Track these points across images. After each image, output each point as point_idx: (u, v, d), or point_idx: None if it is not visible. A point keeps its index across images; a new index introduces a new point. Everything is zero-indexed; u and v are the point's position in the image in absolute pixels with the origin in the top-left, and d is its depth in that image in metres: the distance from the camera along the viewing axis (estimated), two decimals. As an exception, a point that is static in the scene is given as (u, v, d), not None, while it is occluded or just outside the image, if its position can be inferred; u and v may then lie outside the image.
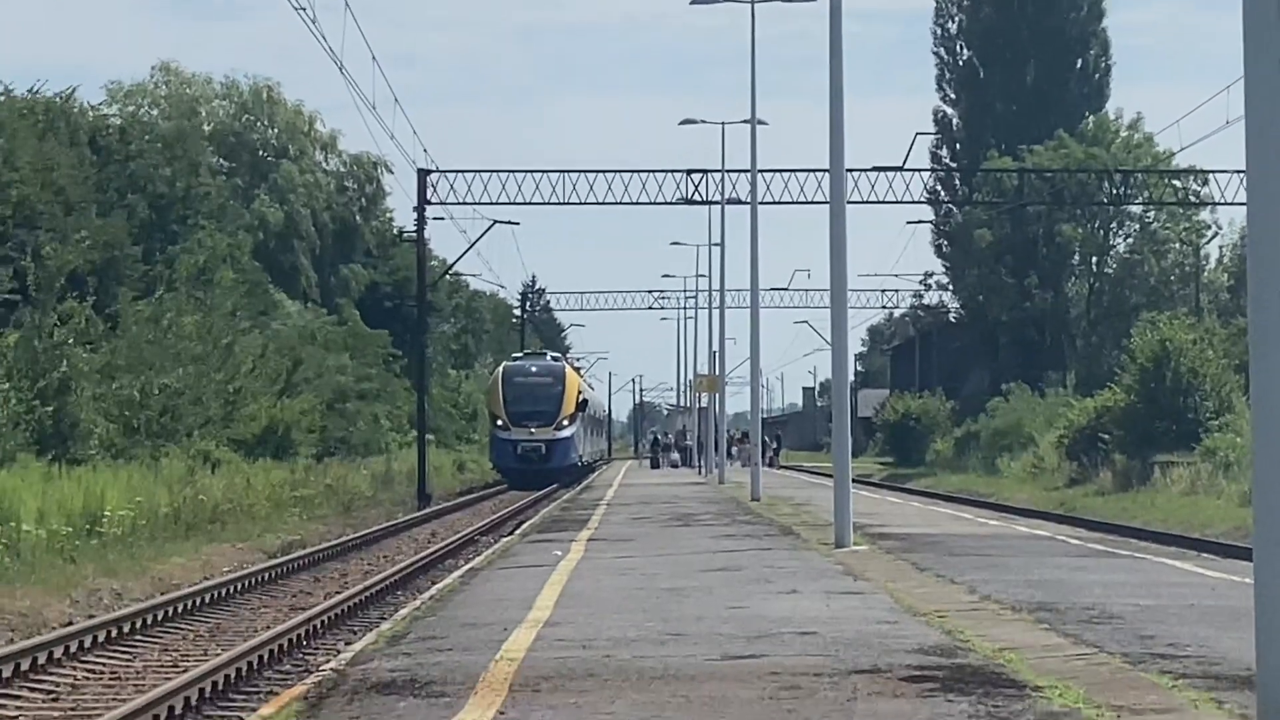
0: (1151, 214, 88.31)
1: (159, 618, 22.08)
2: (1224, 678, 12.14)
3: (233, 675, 16.96)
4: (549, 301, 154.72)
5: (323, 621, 21.52)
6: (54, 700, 16.35)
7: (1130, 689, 11.78)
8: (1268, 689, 8.67)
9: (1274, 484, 8.45)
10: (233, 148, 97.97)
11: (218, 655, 18.15)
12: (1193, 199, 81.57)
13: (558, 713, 11.06)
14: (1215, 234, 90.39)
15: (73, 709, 15.85)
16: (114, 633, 20.31)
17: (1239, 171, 59.76)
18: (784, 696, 11.57)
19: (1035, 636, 14.88)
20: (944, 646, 14.19)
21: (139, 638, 20.73)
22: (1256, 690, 8.87)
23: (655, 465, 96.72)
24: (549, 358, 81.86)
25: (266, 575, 28.76)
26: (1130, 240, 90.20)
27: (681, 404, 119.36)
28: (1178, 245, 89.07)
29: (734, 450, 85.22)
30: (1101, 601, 17.68)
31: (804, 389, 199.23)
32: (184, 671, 17.04)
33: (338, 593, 25.71)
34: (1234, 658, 13.12)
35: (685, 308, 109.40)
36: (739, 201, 63.23)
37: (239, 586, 26.70)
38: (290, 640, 19.56)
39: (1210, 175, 76.11)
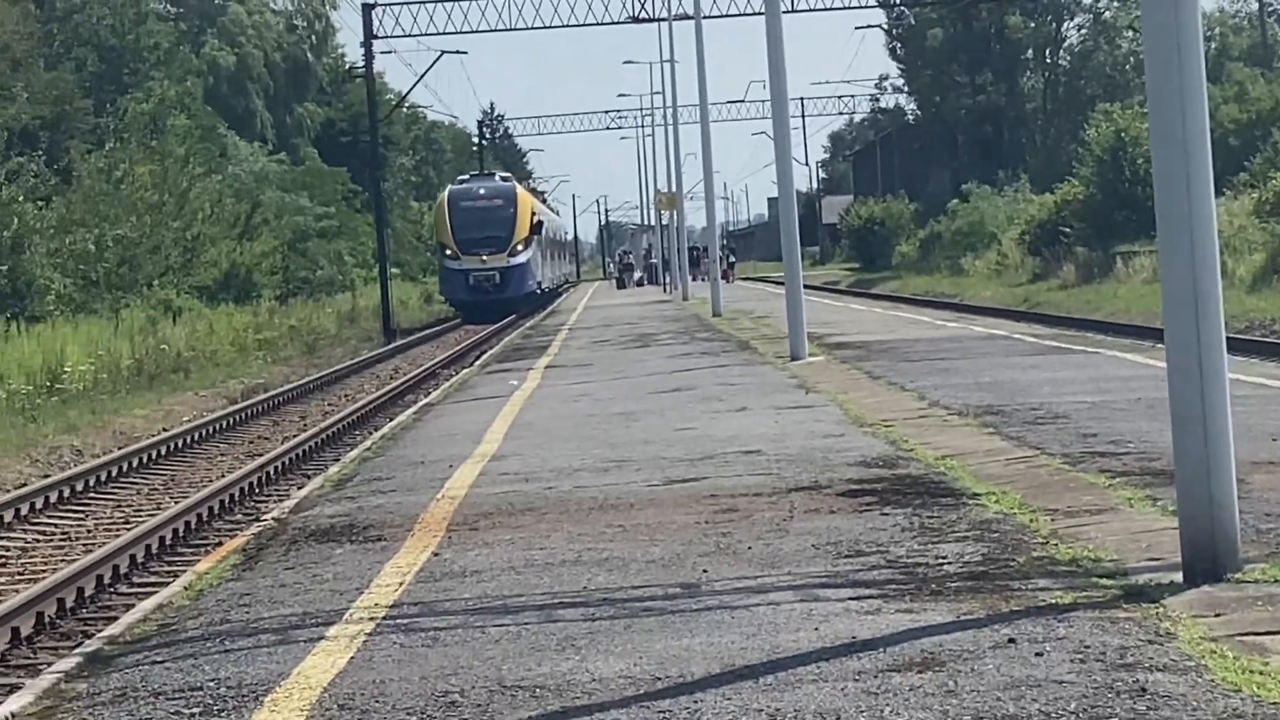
0: (1103, 3, 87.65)
1: (114, 474, 21.89)
2: (1161, 473, 11.94)
3: (181, 529, 16.85)
4: (509, 128, 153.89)
5: (276, 468, 21.42)
6: (1, 566, 16.17)
7: (1067, 490, 11.74)
8: (1185, 480, 8.63)
9: (1178, 272, 8.39)
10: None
11: (170, 508, 18.05)
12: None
13: (492, 551, 10.97)
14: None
15: (20, 573, 15.66)
16: (67, 492, 20.11)
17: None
18: (720, 520, 11.51)
19: (979, 441, 14.83)
20: (886, 457, 14.16)
21: (93, 495, 20.56)
22: (1175, 483, 8.82)
23: (621, 285, 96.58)
24: (498, 178, 75.49)
25: (226, 422, 28.53)
26: (1083, 32, 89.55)
27: (646, 222, 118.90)
28: (1130, 34, 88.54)
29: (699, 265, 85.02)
30: (1049, 401, 17.64)
31: (769, 200, 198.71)
32: (134, 528, 16.92)
33: (294, 436, 25.61)
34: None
35: (643, 126, 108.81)
36: (685, 17, 62.66)
37: (197, 436, 26.44)
38: (242, 489, 19.46)
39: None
